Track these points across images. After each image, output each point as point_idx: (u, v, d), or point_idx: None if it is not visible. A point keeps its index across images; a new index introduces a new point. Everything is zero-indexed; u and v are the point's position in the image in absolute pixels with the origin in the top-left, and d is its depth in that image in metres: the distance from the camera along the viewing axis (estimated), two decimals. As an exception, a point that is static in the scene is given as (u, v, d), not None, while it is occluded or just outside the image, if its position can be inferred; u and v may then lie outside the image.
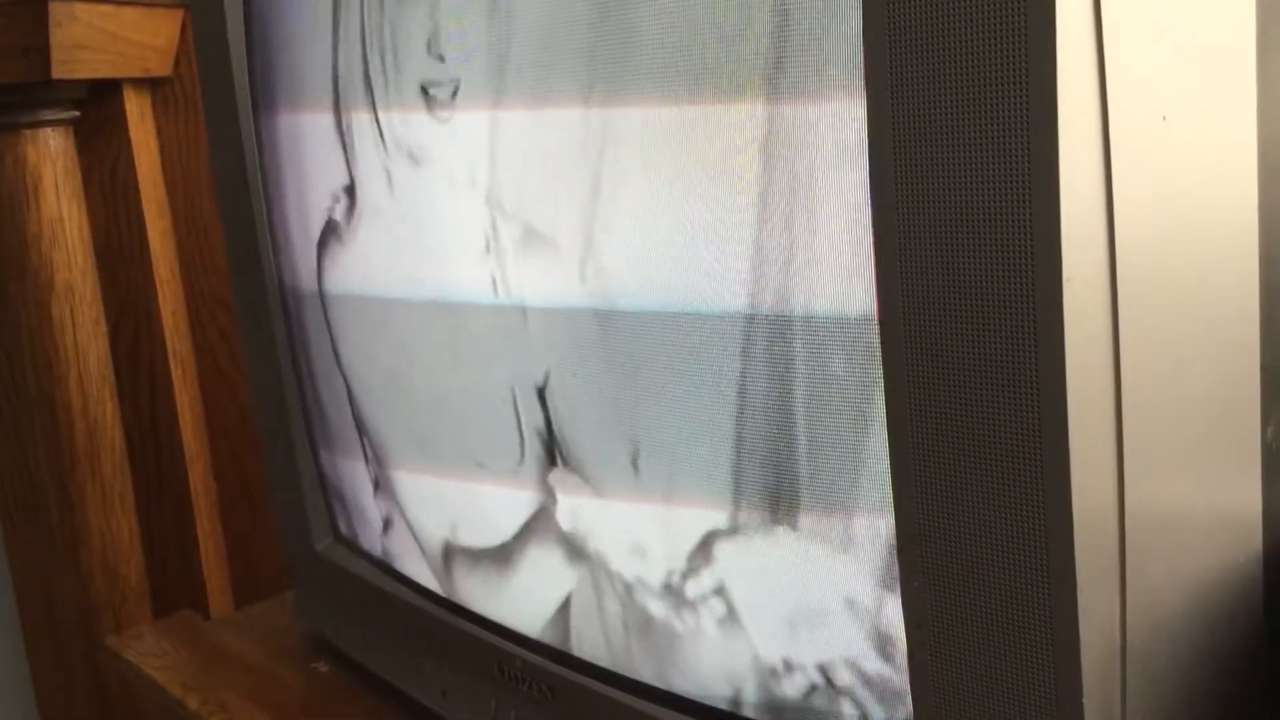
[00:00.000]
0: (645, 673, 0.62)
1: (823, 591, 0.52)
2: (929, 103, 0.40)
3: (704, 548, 0.56)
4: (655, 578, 0.59)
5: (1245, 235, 0.47)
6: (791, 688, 0.55)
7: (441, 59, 0.63)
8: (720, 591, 0.56)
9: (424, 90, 0.65)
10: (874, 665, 0.51)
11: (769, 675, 0.55)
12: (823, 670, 0.53)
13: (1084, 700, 0.42)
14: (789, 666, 0.54)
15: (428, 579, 0.77)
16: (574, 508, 0.63)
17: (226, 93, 0.80)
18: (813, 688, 0.54)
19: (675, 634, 0.59)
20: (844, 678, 0.52)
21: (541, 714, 0.68)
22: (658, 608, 0.60)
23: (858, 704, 0.52)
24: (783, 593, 0.53)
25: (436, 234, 0.67)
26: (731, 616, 0.56)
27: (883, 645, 0.50)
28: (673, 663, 0.60)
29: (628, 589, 0.61)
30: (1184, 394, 0.45)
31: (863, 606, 0.50)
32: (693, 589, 0.58)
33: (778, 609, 0.54)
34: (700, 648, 0.58)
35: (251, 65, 0.79)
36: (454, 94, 0.63)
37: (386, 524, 0.81)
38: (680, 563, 0.58)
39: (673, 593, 0.59)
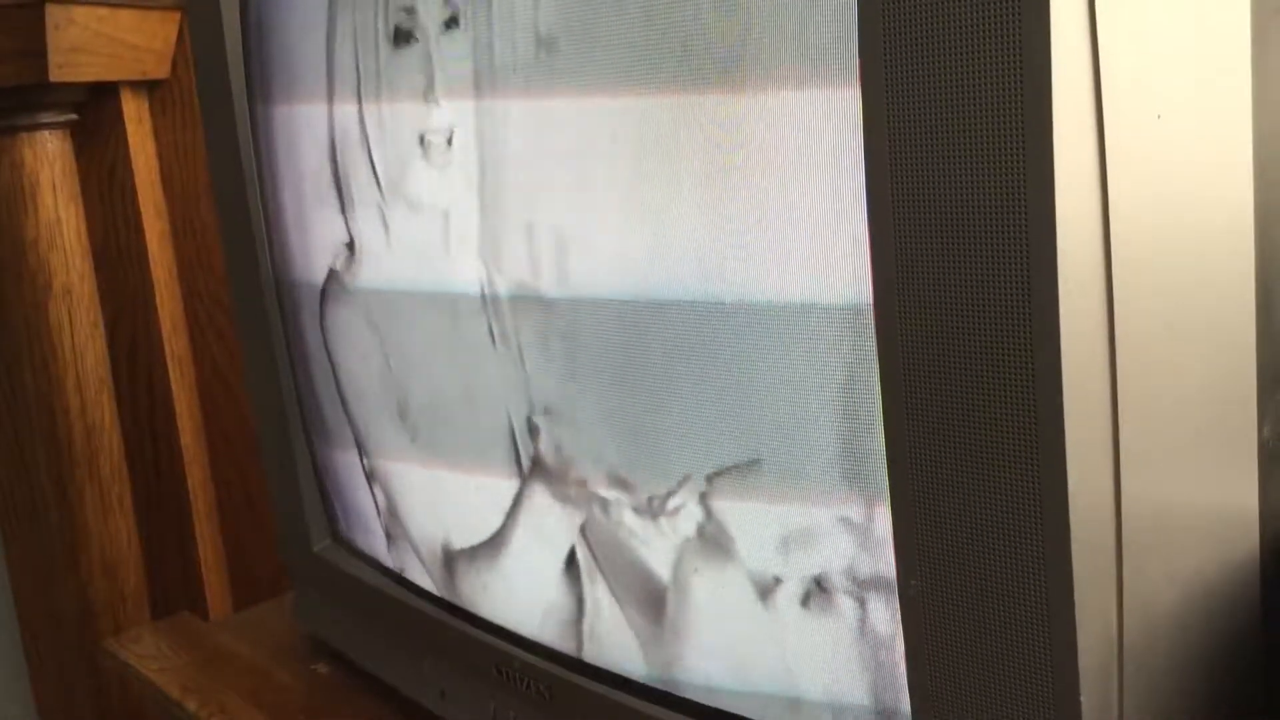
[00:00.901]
0: (664, 650, 0.62)
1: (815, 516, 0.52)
2: (923, 102, 0.41)
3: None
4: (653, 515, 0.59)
5: (1241, 233, 0.47)
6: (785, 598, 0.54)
7: (437, 103, 0.64)
8: (709, 519, 0.57)
9: (420, 138, 0.65)
10: (867, 566, 0.51)
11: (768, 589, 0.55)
12: (817, 581, 0.53)
13: (1081, 698, 0.42)
14: (779, 581, 0.54)
15: (426, 580, 0.77)
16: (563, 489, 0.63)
17: (223, 95, 0.80)
18: (808, 595, 0.53)
19: (686, 593, 0.59)
20: (839, 582, 0.52)
21: (540, 714, 0.68)
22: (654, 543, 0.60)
23: (855, 597, 0.52)
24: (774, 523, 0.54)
25: (433, 276, 0.68)
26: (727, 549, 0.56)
27: (874, 548, 0.50)
28: (689, 629, 0.60)
29: (626, 529, 0.61)
30: (1180, 392, 0.45)
31: (856, 523, 0.50)
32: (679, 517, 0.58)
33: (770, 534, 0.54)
34: (703, 601, 0.58)
35: (248, 67, 0.80)
36: (449, 141, 0.63)
37: (384, 526, 0.81)
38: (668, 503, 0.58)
39: (651, 511, 0.59)
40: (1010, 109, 0.38)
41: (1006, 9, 0.38)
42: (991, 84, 0.39)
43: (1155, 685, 0.45)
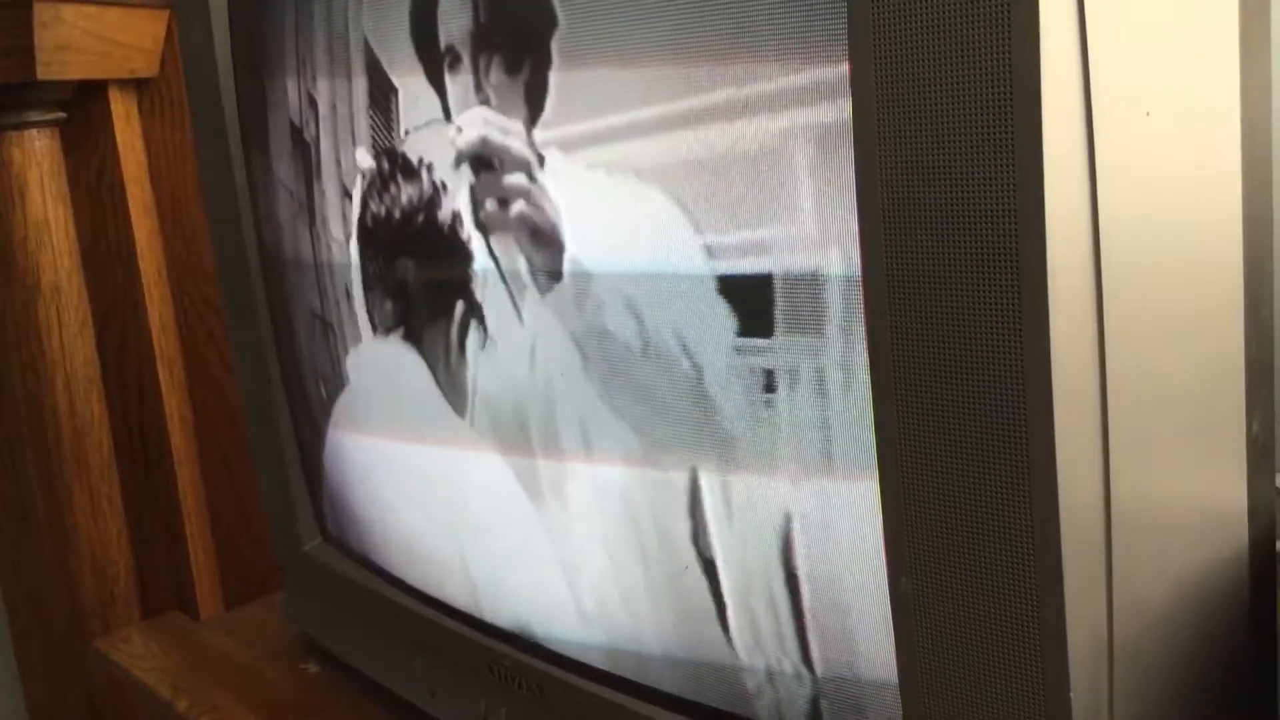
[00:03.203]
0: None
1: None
2: (912, 99, 0.40)
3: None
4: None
5: (1229, 229, 0.47)
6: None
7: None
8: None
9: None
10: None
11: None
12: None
13: (1071, 695, 0.42)
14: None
15: (416, 578, 0.77)
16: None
17: (212, 93, 0.80)
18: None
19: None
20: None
21: (532, 712, 0.68)
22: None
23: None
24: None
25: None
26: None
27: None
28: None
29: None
30: (1169, 388, 0.45)
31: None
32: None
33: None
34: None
35: (237, 65, 0.79)
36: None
37: (376, 524, 0.81)
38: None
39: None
40: (1000, 106, 0.38)
41: (996, 8, 0.38)
42: (981, 82, 0.39)
43: (1145, 681, 0.45)
